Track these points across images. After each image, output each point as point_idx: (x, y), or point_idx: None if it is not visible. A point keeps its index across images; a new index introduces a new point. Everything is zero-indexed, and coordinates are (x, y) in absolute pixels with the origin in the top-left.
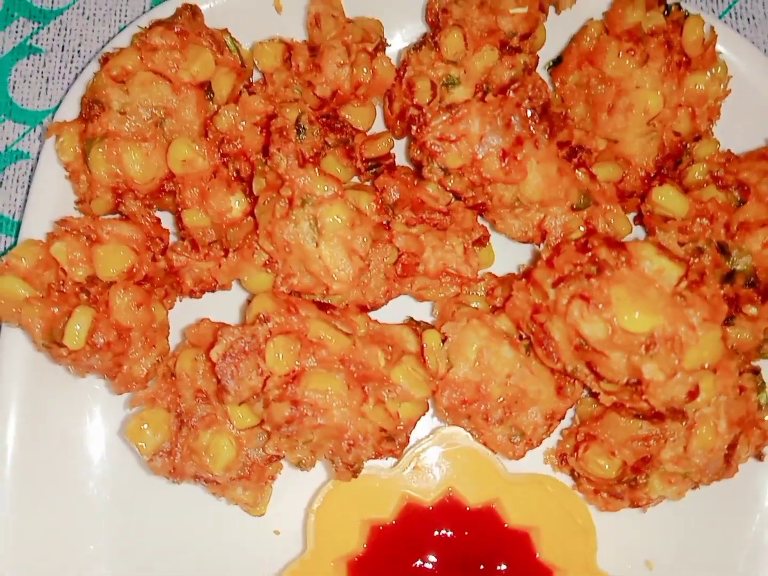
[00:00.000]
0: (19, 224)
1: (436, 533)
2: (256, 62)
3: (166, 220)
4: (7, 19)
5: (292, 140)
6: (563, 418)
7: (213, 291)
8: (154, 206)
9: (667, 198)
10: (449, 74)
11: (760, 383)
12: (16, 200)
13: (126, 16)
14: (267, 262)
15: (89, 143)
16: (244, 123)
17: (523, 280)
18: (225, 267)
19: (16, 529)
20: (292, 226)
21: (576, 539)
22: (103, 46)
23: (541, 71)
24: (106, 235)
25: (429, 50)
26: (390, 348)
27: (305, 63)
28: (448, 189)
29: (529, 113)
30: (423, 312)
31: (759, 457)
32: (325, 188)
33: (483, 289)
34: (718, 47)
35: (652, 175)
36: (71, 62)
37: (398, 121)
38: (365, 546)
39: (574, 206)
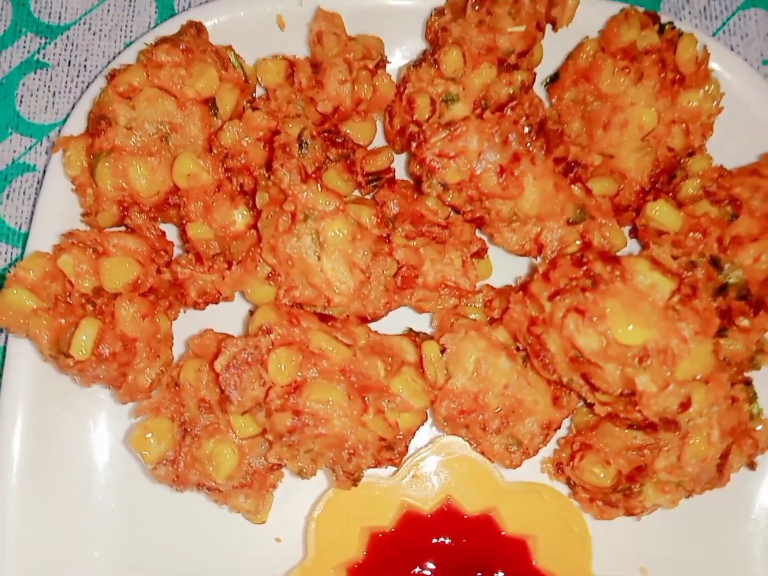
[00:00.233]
0: (26, 236)
1: (435, 540)
2: (259, 78)
3: (171, 232)
4: (15, 35)
5: (295, 156)
6: (559, 427)
7: (216, 303)
8: (159, 219)
9: (661, 212)
10: (448, 91)
11: (752, 394)
12: (22, 212)
13: (131, 31)
14: (270, 275)
15: (96, 157)
16: (247, 138)
17: (520, 292)
18: (228, 279)
19: (22, 535)
20: (295, 240)
21: (572, 547)
22: (109, 62)
23: (539, 88)
24: (112, 248)
25: (429, 67)
26: (390, 359)
27: (308, 79)
28: (446, 203)
29: (525, 130)
30: (422, 323)
31: (751, 466)
32: (327, 203)
33: (481, 301)
34: (712, 64)
35: (646, 189)
36: (77, 77)
37: (398, 137)
38: (365, 553)
39: (570, 220)
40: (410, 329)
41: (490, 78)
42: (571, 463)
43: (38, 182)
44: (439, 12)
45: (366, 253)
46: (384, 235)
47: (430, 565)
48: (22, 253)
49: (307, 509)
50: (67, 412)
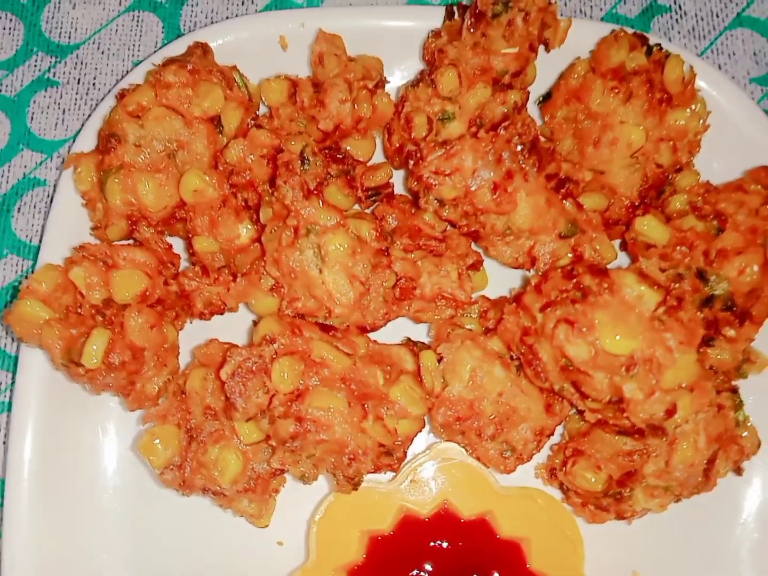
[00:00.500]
0: (37, 248)
1: (432, 544)
2: (263, 98)
3: (178, 246)
4: (26, 54)
5: (298, 173)
6: (552, 434)
7: (222, 313)
8: (166, 233)
9: (649, 227)
10: (445, 110)
11: (738, 401)
12: (33, 225)
13: (139, 51)
14: (273, 287)
15: (106, 174)
16: (252, 155)
17: (514, 304)
18: (233, 291)
19: (32, 540)
20: (298, 253)
21: (564, 550)
22: (117, 81)
23: (532, 106)
24: (122, 261)
25: (426, 87)
26: (389, 367)
27: (309, 99)
28: (443, 218)
29: (518, 148)
30: (420, 333)
31: (738, 471)
32: (328, 218)
33: (476, 311)
34: (700, 82)
35: (635, 204)
36: (87, 94)
37: (397, 154)
38: (364, 556)
39: (562, 234)
40: (408, 339)
41: (485, 97)
42: (564, 468)
43: (48, 196)
44: (436, 34)
45: (366, 265)
46: (383, 248)
47: (428, 567)
48: (34, 265)
49: (309, 513)
50: (77, 419)
